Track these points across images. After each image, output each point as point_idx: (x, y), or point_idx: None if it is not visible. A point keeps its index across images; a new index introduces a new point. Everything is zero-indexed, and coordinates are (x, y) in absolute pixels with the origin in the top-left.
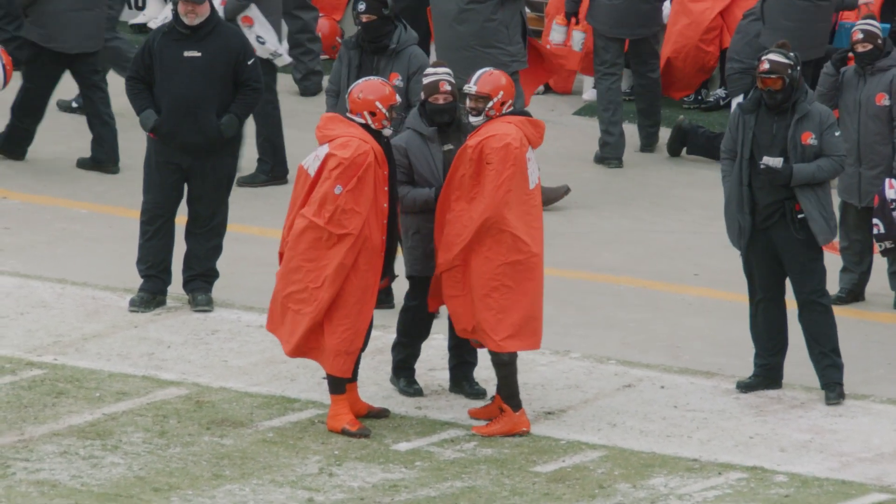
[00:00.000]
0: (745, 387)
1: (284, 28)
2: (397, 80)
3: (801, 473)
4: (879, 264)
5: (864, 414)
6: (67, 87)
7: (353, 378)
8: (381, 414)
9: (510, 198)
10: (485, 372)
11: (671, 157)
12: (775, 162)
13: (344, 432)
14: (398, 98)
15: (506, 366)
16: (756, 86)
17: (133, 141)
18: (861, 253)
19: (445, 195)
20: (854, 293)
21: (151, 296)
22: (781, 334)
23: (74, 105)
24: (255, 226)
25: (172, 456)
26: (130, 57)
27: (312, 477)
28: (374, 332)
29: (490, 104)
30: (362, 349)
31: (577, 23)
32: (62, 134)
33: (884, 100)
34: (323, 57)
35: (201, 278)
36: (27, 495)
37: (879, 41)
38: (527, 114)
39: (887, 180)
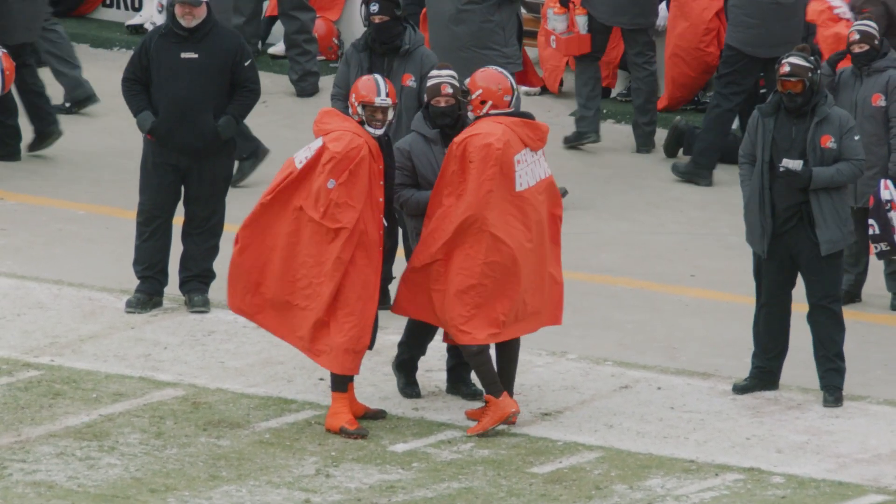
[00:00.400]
0: (740, 389)
1: (281, 28)
2: (411, 80)
3: (797, 474)
4: (876, 265)
5: (861, 415)
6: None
7: (350, 379)
8: (378, 415)
9: (491, 198)
10: None
11: (668, 158)
12: (795, 164)
13: (342, 431)
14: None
15: (475, 356)
16: (776, 89)
17: (129, 142)
18: (857, 254)
19: (438, 191)
20: (851, 294)
21: (148, 297)
22: (781, 339)
23: (67, 105)
24: None
25: (169, 457)
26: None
27: (309, 478)
28: None
29: (468, 99)
30: (370, 347)
31: (576, 7)
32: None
33: (880, 101)
34: (319, 58)
35: (198, 279)
36: (24, 496)
37: (876, 42)
38: (528, 115)
39: (882, 181)
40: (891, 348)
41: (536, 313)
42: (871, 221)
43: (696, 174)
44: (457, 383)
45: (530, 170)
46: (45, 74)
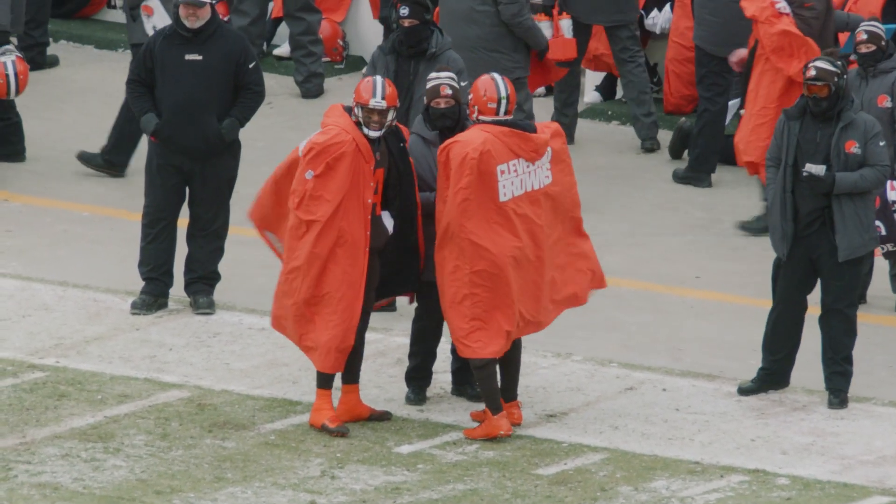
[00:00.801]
0: (745, 391)
1: (286, 30)
2: None
3: (802, 476)
4: (881, 266)
5: (866, 416)
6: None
7: (355, 381)
8: (384, 417)
9: (468, 206)
10: None
11: (673, 159)
12: (818, 169)
13: (323, 428)
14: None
15: (479, 369)
16: (802, 93)
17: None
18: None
19: (437, 197)
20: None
21: (153, 298)
22: (789, 342)
23: None
24: None
25: (174, 458)
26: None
27: (314, 479)
28: (375, 335)
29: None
30: (358, 349)
31: (560, 13)
32: (62, 137)
33: (885, 102)
34: (325, 59)
35: (203, 281)
36: (29, 498)
37: (883, 43)
38: (523, 125)
39: (889, 182)
40: None
41: (536, 322)
42: (877, 222)
43: (695, 178)
44: (462, 385)
45: (520, 180)
46: None
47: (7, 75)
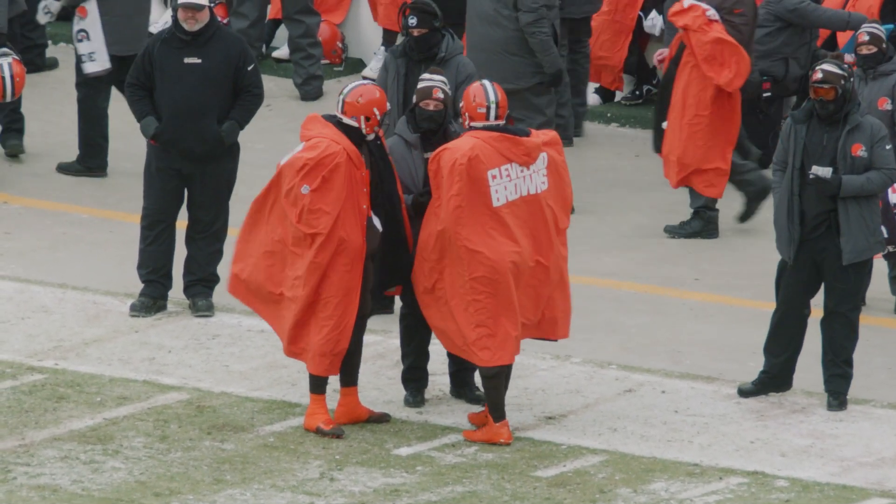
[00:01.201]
0: (745, 393)
1: (285, 32)
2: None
3: (801, 478)
4: (880, 268)
5: (865, 419)
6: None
7: (354, 383)
8: (383, 419)
9: (461, 213)
10: None
11: None
12: (824, 172)
13: (318, 431)
14: (388, 105)
15: (489, 378)
16: (808, 96)
17: (133, 146)
18: None
19: (429, 210)
20: None
21: (152, 301)
22: (790, 345)
23: None
24: None
25: (173, 461)
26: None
27: (313, 482)
28: (374, 337)
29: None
30: (357, 351)
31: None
32: (63, 138)
33: (886, 104)
34: (324, 62)
35: (202, 283)
36: (28, 500)
37: (884, 45)
38: (514, 130)
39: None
40: (895, 352)
41: (535, 326)
42: None
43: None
44: (461, 387)
45: (514, 185)
46: None
47: (3, 77)
